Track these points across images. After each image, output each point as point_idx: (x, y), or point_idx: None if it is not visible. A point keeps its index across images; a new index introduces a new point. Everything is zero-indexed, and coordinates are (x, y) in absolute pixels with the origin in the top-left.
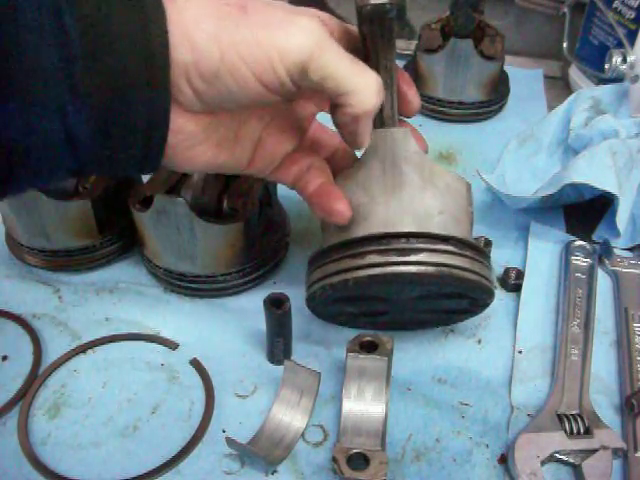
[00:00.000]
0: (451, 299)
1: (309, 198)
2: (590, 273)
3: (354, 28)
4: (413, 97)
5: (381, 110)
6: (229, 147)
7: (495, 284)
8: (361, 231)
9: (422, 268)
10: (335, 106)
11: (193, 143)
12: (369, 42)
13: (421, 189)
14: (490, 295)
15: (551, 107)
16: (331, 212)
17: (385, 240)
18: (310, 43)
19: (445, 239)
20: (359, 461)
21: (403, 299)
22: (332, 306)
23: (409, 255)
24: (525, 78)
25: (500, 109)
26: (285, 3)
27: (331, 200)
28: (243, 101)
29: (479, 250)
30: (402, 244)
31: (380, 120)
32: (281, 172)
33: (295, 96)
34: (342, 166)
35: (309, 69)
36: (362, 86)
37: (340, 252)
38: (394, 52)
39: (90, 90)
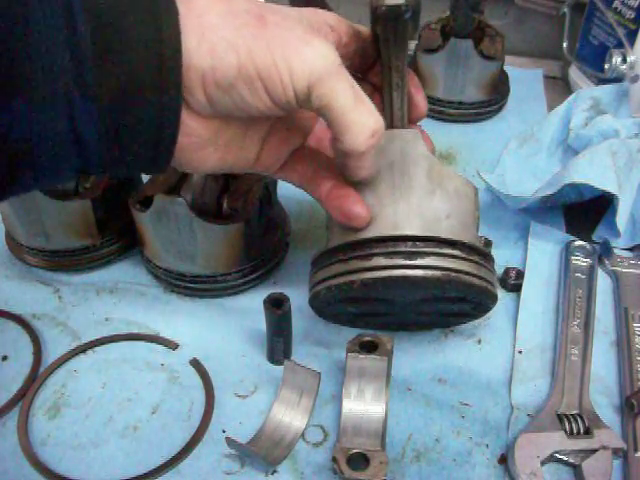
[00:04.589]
0: (454, 303)
1: (324, 200)
2: (590, 273)
3: (363, 28)
4: (420, 101)
5: (391, 111)
6: (237, 148)
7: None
8: (368, 233)
9: (429, 272)
10: (332, 136)
11: (202, 145)
12: (382, 43)
13: (429, 192)
14: (494, 300)
15: (551, 107)
16: (350, 215)
17: (392, 243)
18: (320, 69)
19: (452, 243)
20: (359, 461)
21: (406, 301)
22: (334, 306)
23: (416, 259)
24: (525, 78)
25: (500, 109)
26: (300, 15)
27: (350, 203)
28: (252, 112)
29: (485, 255)
30: (409, 247)
31: (390, 121)
32: (287, 170)
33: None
34: None
35: (312, 94)
36: (356, 127)
37: (346, 253)
38: (406, 53)
39: (100, 91)
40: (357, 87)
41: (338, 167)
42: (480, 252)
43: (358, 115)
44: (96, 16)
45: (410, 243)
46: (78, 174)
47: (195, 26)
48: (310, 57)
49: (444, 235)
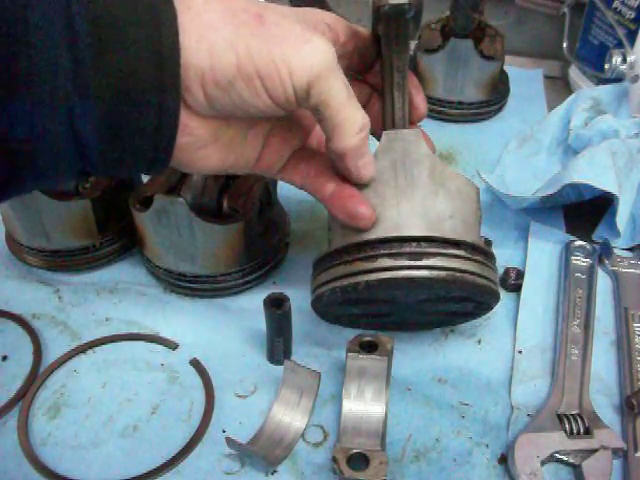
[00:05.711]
0: (457, 302)
1: (328, 200)
2: (590, 273)
3: (362, 29)
4: (420, 102)
5: (392, 110)
6: (238, 148)
7: None
8: (372, 234)
9: (434, 273)
10: (325, 139)
11: (203, 145)
12: (383, 42)
13: (432, 192)
14: (496, 299)
15: (551, 107)
16: (355, 216)
17: (397, 244)
18: (319, 66)
19: (456, 244)
20: (359, 461)
21: (409, 301)
22: (337, 308)
23: (421, 259)
24: (525, 78)
25: (500, 109)
26: (297, 13)
27: (354, 203)
28: (251, 111)
29: (488, 254)
30: (414, 248)
31: (391, 121)
32: (288, 171)
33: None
34: None
35: (311, 91)
36: (348, 122)
37: (351, 254)
38: (408, 53)
39: (98, 91)
40: (347, 82)
41: (340, 172)
42: (483, 252)
43: (350, 111)
44: (95, 17)
45: (415, 244)
46: (78, 175)
47: (194, 25)
48: (309, 54)
49: (448, 235)
